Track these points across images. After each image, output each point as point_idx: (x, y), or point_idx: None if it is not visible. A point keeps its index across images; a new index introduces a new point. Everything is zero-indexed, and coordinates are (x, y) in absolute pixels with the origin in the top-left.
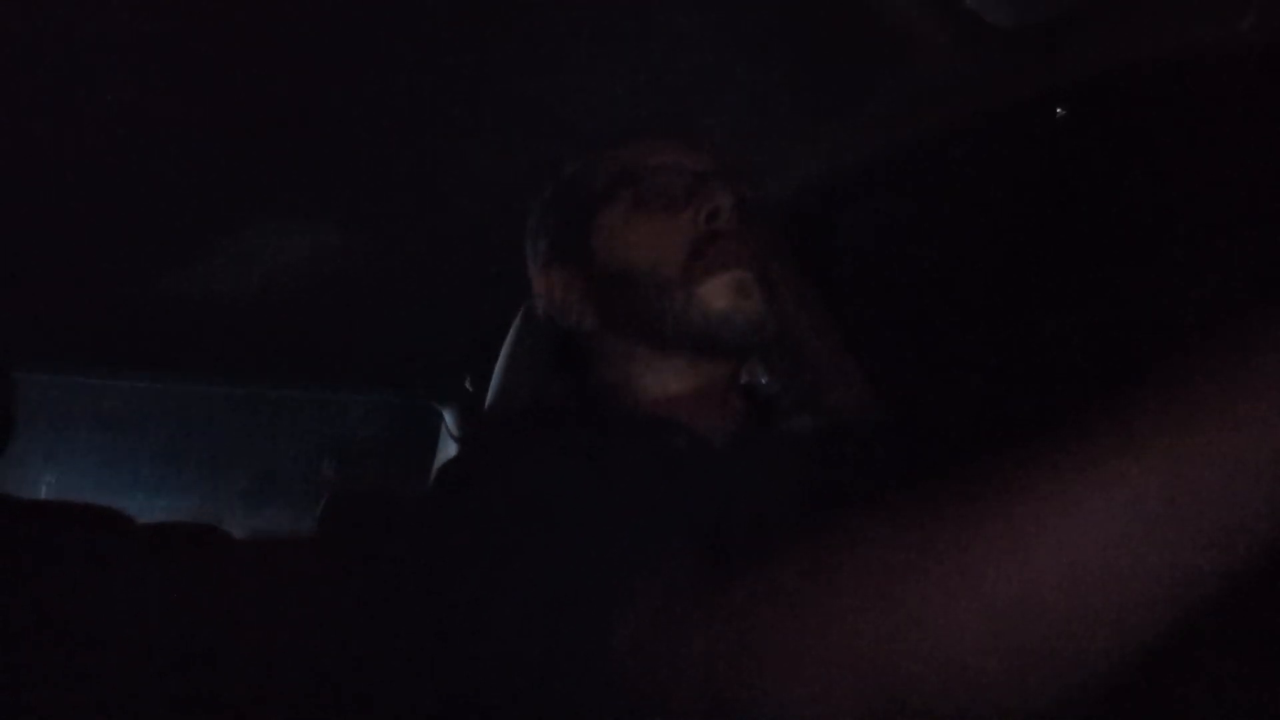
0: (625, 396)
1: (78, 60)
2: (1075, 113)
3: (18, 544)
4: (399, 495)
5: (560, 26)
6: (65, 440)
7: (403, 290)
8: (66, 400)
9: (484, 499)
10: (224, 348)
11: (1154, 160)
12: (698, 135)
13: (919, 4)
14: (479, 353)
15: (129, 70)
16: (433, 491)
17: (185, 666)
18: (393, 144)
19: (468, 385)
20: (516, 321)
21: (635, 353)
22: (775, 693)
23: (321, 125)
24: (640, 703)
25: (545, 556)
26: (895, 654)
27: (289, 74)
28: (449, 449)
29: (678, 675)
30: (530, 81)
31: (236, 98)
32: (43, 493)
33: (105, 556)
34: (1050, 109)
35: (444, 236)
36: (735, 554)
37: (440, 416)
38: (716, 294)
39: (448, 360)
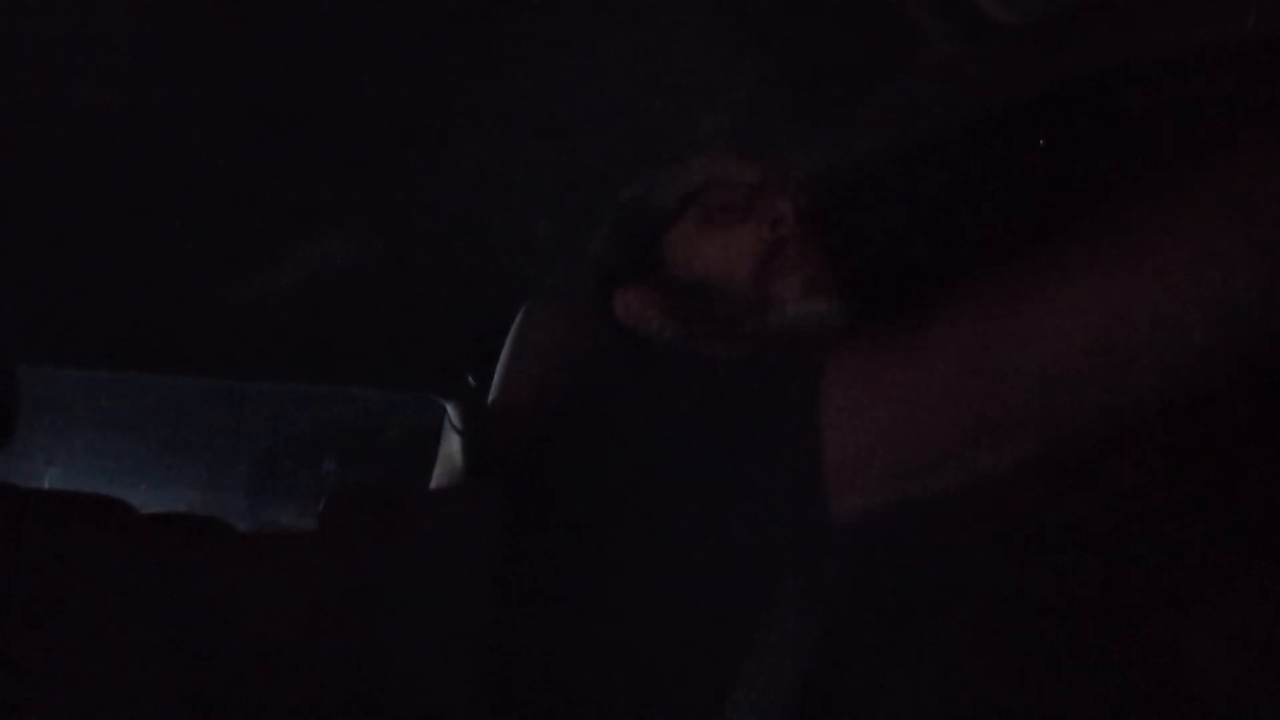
0: None
1: (80, 58)
2: (1074, 111)
3: (19, 533)
4: (403, 491)
5: (560, 26)
6: (67, 434)
7: (404, 286)
8: (69, 394)
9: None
10: (226, 343)
11: (1154, 160)
12: (747, 145)
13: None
14: (481, 349)
15: (131, 68)
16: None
17: (186, 659)
18: (394, 143)
19: (470, 381)
20: (519, 318)
21: (715, 359)
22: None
23: (324, 125)
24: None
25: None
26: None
27: (289, 73)
28: (452, 444)
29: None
30: (530, 81)
31: (238, 98)
32: (45, 486)
33: (107, 546)
34: (1050, 107)
35: (445, 233)
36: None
37: (443, 411)
38: (789, 294)
39: (450, 356)
